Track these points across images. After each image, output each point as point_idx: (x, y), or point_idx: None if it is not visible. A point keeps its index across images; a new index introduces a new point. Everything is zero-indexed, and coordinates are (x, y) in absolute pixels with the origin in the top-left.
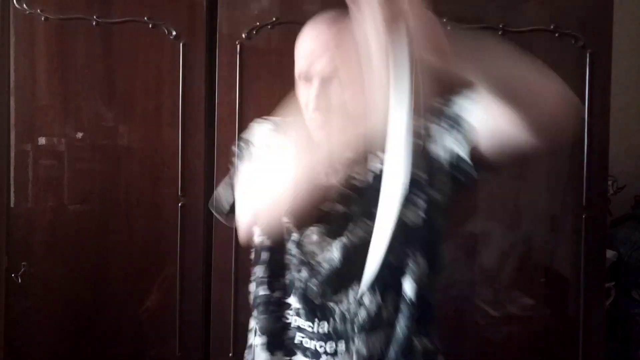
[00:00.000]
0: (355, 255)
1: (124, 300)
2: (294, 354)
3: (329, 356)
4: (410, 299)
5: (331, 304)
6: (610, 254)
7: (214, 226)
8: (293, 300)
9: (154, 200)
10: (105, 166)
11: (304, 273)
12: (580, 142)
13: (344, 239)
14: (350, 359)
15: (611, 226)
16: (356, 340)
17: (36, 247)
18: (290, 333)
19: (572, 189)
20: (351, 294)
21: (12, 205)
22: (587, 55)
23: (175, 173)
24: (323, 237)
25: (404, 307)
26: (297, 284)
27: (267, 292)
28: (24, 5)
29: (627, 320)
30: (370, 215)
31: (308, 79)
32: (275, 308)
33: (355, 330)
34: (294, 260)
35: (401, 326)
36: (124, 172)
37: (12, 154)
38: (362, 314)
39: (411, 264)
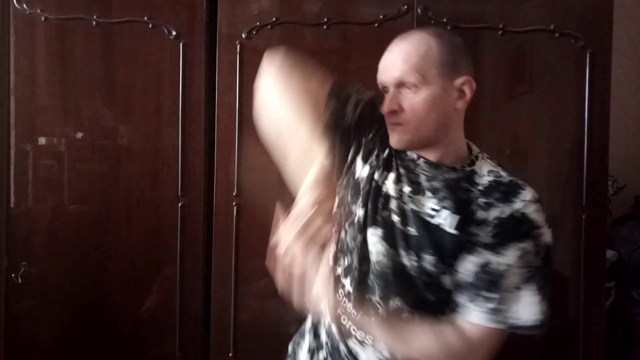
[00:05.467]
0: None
1: (124, 300)
2: None
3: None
4: None
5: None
6: (610, 254)
7: (214, 226)
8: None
9: (154, 200)
10: (105, 166)
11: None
12: (580, 142)
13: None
14: None
15: (611, 226)
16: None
17: (36, 247)
18: None
19: (572, 189)
20: (394, 301)
21: (12, 205)
22: (587, 55)
23: (175, 173)
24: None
25: None
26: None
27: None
28: (24, 5)
29: (627, 320)
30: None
31: None
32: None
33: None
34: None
35: None
36: (124, 172)
37: (12, 154)
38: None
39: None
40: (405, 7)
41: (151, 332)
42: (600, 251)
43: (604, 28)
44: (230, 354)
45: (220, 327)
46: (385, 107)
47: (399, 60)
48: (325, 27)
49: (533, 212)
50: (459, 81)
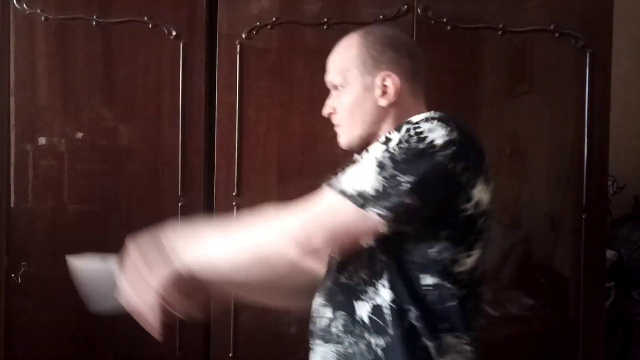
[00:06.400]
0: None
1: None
2: None
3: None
4: (362, 320)
5: (314, 306)
6: (610, 254)
7: None
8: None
9: (154, 200)
10: (105, 166)
11: None
12: (580, 142)
13: None
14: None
15: (611, 226)
16: (315, 345)
17: (36, 247)
18: None
19: (572, 189)
20: (319, 299)
21: (12, 205)
22: (587, 55)
23: (175, 173)
24: None
25: (356, 327)
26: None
27: None
28: (24, 5)
29: (627, 320)
30: None
31: None
32: None
33: (314, 336)
34: None
35: (351, 344)
36: (124, 172)
37: (12, 154)
38: (319, 324)
39: (368, 289)
40: (405, 7)
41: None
42: (600, 251)
43: (604, 28)
44: (230, 354)
45: (220, 327)
46: (323, 110)
47: (329, 63)
48: (325, 27)
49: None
50: (379, 77)
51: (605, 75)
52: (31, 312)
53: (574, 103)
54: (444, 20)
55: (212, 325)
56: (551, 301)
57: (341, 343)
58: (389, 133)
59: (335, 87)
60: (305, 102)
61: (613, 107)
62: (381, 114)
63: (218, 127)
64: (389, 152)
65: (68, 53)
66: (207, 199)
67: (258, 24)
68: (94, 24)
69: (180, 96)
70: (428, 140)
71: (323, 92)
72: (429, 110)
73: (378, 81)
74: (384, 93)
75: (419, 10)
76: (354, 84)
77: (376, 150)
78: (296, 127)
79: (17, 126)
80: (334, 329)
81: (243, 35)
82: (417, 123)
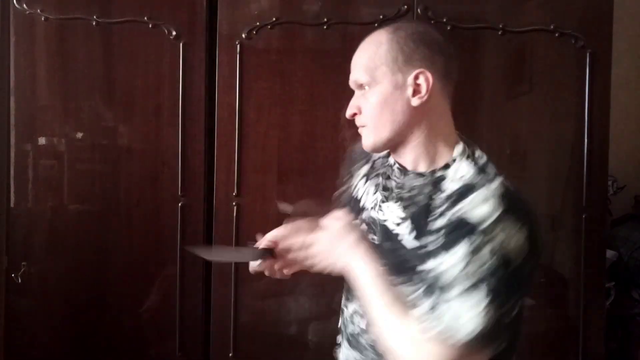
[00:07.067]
0: None
1: (124, 300)
2: None
3: (338, 345)
4: None
5: (344, 306)
6: (610, 254)
7: (214, 226)
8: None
9: (154, 200)
10: (105, 166)
11: None
12: (580, 142)
13: None
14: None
15: (611, 226)
16: (343, 347)
17: (36, 247)
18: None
19: (572, 189)
20: (352, 305)
21: (12, 205)
22: (587, 55)
23: (175, 173)
24: None
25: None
26: None
27: None
28: (24, 5)
29: (627, 320)
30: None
31: None
32: None
33: (342, 335)
34: None
35: (374, 359)
36: (124, 172)
37: (12, 154)
38: (350, 328)
39: None
40: (405, 7)
41: (151, 332)
42: (600, 251)
43: (604, 28)
44: (230, 354)
45: (220, 327)
46: (346, 111)
47: (355, 61)
48: (325, 27)
49: (479, 211)
50: (412, 75)
51: (605, 75)
52: (31, 312)
53: (574, 103)
54: (444, 20)
55: (212, 325)
56: (551, 301)
57: (366, 356)
58: (448, 247)
59: (361, 87)
60: (305, 102)
61: (613, 107)
62: (412, 115)
63: (218, 127)
64: (475, 281)
65: (68, 53)
66: (207, 199)
67: (258, 24)
68: (94, 24)
69: (180, 96)
70: (500, 250)
71: (323, 92)
72: (452, 113)
73: (410, 79)
74: (416, 92)
75: (418, 10)
76: (382, 83)
77: (458, 282)
78: (296, 127)
79: (17, 126)
80: (362, 341)
81: (243, 35)
82: (479, 222)
